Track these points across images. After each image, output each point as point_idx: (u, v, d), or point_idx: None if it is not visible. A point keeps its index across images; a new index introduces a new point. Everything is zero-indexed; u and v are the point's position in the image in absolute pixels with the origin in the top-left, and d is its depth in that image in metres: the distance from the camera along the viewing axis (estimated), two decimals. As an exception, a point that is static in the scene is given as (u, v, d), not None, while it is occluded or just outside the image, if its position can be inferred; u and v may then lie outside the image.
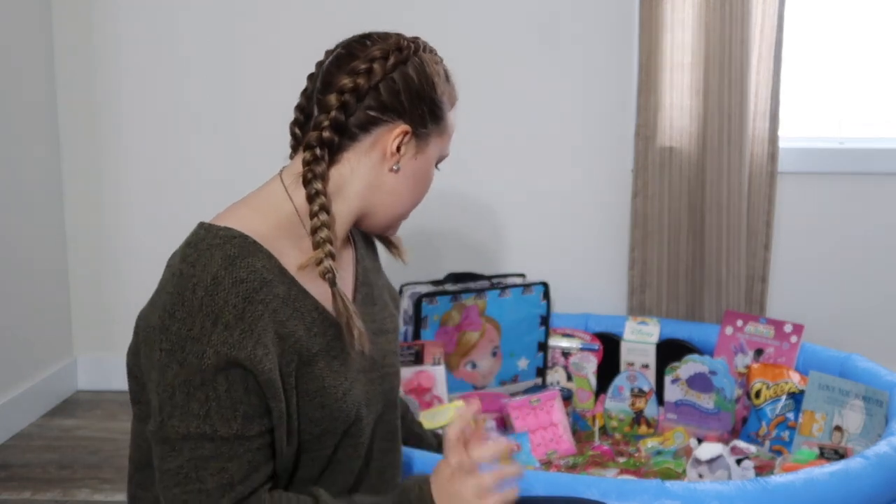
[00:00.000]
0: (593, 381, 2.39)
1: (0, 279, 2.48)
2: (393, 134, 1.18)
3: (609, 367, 2.41)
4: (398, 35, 1.23)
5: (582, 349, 2.42)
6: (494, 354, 2.36)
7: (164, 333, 1.06)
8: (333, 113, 1.16)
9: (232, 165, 2.74)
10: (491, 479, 1.12)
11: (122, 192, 2.79)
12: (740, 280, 2.54)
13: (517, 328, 2.37)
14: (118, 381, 2.84)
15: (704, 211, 2.54)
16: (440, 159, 1.27)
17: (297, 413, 1.12)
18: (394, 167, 1.20)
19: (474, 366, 2.34)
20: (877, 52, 2.69)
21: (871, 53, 2.69)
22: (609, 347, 2.44)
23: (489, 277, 2.49)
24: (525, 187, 2.71)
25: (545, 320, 2.41)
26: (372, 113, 1.18)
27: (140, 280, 2.84)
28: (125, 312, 2.88)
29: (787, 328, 2.30)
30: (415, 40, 1.23)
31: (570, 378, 2.41)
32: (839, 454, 1.87)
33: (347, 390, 1.17)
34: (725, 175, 2.50)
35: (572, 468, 2.07)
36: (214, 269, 1.06)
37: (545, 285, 2.41)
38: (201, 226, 1.13)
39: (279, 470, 1.14)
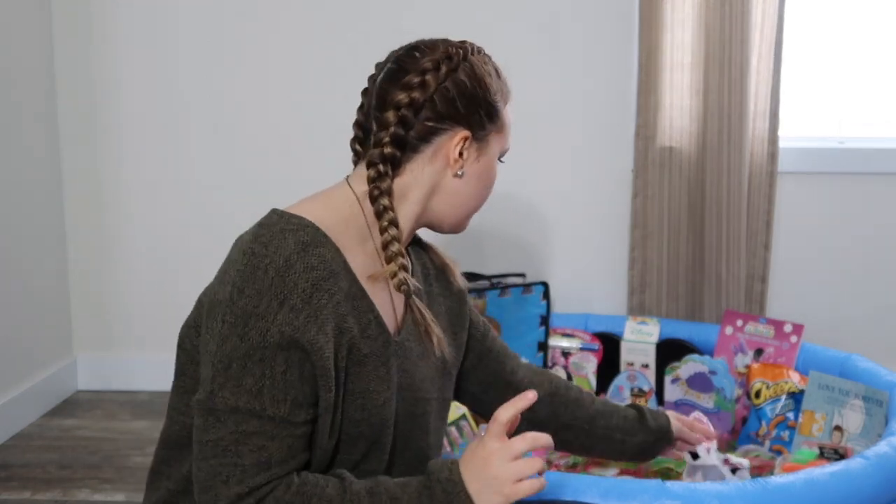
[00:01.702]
0: (593, 381, 2.39)
1: (0, 279, 2.48)
2: (454, 141, 1.21)
3: (609, 367, 2.41)
4: (446, 42, 1.25)
5: (582, 349, 2.42)
6: (494, 354, 2.36)
7: (230, 307, 1.08)
8: (392, 129, 1.19)
9: (232, 166, 2.74)
10: (531, 467, 1.11)
11: (122, 192, 2.79)
12: (740, 280, 2.54)
13: (517, 328, 2.37)
14: (118, 381, 2.85)
15: (704, 211, 2.54)
16: (502, 153, 1.30)
17: (341, 408, 1.14)
18: (458, 172, 1.23)
19: (474, 366, 2.33)
20: (877, 52, 2.69)
21: (871, 53, 2.69)
22: (609, 347, 2.44)
23: (489, 277, 2.49)
24: (525, 187, 2.71)
25: (545, 320, 2.41)
26: (430, 124, 1.20)
27: (140, 280, 2.85)
28: (125, 312, 2.90)
29: (787, 328, 2.30)
30: (462, 45, 1.25)
31: (570, 378, 2.41)
32: (839, 454, 1.87)
33: (388, 399, 1.19)
34: (725, 175, 2.50)
35: (572, 468, 2.06)
36: (287, 252, 1.08)
37: (545, 285, 2.41)
38: (274, 211, 1.16)
39: (317, 466, 1.15)
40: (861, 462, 1.62)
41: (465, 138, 1.22)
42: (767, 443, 2.10)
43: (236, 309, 1.07)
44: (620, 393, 2.29)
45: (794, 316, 2.51)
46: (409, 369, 1.25)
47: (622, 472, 1.99)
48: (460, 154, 1.22)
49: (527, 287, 2.39)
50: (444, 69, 1.20)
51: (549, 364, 2.43)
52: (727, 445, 2.14)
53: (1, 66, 2.48)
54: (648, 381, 2.29)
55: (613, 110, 2.66)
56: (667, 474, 1.94)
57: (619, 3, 2.61)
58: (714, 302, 2.56)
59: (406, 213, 1.23)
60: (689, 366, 2.23)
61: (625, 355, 2.44)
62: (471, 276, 2.48)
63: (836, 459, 1.81)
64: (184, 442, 1.21)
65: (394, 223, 1.19)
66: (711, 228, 2.53)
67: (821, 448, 1.90)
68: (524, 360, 1.57)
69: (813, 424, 2.02)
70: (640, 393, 2.27)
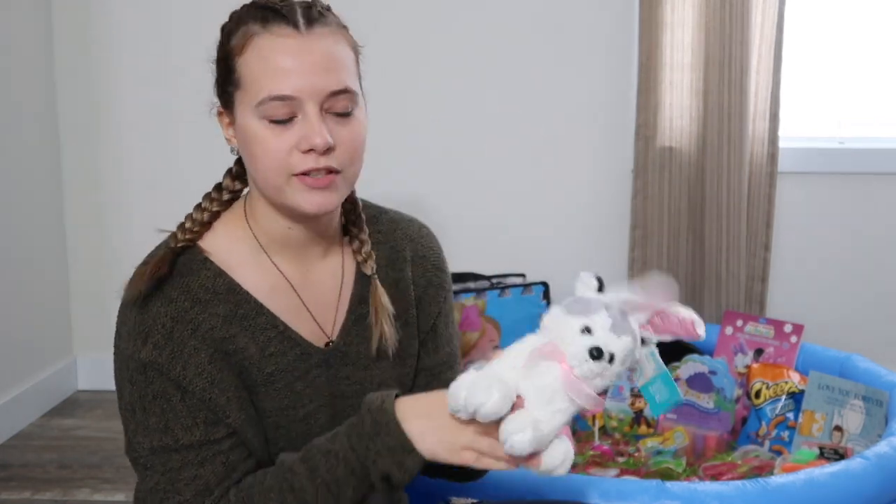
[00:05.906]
0: (593, 381, 2.38)
1: (0, 279, 2.48)
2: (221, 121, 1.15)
3: (609, 367, 2.41)
4: None
5: (582, 349, 2.41)
6: (494, 354, 2.36)
7: (116, 353, 1.09)
8: None
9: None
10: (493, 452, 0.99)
11: (122, 192, 2.78)
12: (740, 280, 2.54)
13: (517, 328, 2.37)
14: (118, 381, 2.85)
15: (704, 211, 2.54)
16: (262, 103, 1.08)
17: (254, 427, 1.09)
18: (232, 150, 1.17)
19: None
20: (876, 52, 2.69)
21: (870, 53, 2.69)
22: (609, 347, 2.43)
23: (489, 277, 2.49)
24: (525, 187, 2.71)
25: (545, 320, 2.40)
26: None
27: (140, 280, 2.85)
28: (125, 312, 2.89)
29: (787, 328, 2.30)
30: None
31: (570, 378, 2.40)
32: (839, 454, 1.87)
33: (311, 413, 1.13)
34: (725, 175, 2.50)
35: (572, 468, 2.06)
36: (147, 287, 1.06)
37: (545, 285, 2.41)
38: (169, 236, 1.14)
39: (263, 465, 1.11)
40: (861, 462, 1.62)
41: (220, 113, 1.18)
42: (767, 443, 2.10)
43: (119, 354, 1.07)
44: (620, 393, 2.29)
45: (794, 316, 2.50)
46: (355, 375, 1.16)
47: (622, 472, 2.00)
48: (224, 128, 1.16)
49: (527, 287, 2.39)
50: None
51: (549, 364, 2.42)
52: (727, 445, 2.14)
53: (1, 66, 2.48)
54: (648, 381, 2.29)
55: (613, 110, 2.66)
56: (667, 474, 1.94)
57: (619, 3, 2.61)
58: (714, 302, 2.56)
59: (258, 213, 1.14)
60: (689, 366, 2.22)
61: (625, 355, 2.43)
62: (471, 276, 2.48)
63: (836, 459, 1.81)
64: None
65: (192, 227, 1.14)
66: (711, 228, 2.53)
67: (821, 448, 1.90)
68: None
69: (813, 424, 2.02)
70: (641, 393, 2.27)
